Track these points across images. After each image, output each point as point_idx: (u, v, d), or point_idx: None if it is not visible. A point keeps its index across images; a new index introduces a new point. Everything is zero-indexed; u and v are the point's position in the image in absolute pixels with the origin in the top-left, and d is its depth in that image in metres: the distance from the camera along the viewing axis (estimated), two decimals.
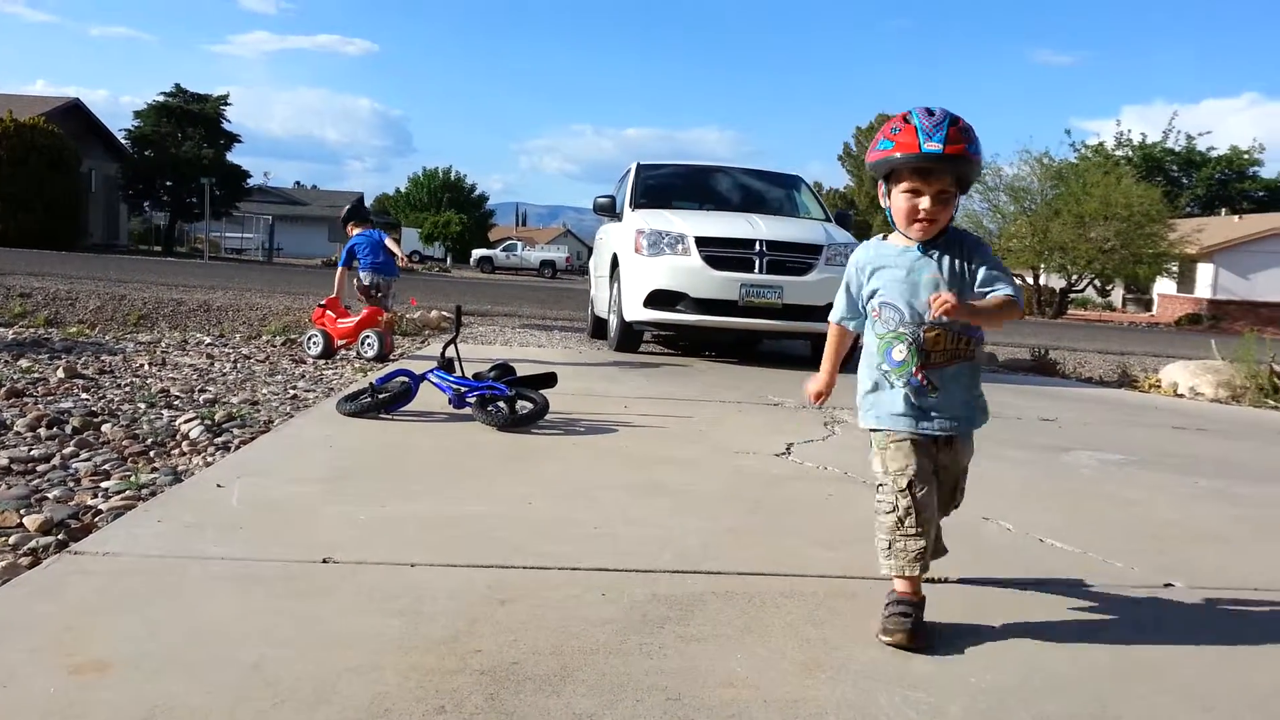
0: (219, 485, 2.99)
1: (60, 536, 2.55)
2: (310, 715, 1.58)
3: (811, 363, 8.06)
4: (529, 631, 1.97)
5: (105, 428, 3.96)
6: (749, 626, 2.08)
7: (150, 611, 1.97)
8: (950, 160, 1.97)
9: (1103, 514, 3.38)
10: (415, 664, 1.78)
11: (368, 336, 6.98)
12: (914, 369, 2.06)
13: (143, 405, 4.54)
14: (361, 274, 7.34)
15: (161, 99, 41.41)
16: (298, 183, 70.18)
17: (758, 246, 7.57)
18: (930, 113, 1.98)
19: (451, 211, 64.04)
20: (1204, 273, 36.74)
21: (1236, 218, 41.10)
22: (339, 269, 7.63)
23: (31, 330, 8.27)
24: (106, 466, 3.34)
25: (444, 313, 10.61)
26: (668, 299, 7.55)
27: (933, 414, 2.08)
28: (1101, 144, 42.35)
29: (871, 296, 2.15)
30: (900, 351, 2.08)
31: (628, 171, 9.46)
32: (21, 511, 2.73)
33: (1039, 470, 4.04)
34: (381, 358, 6.89)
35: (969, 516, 2.72)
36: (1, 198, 29.23)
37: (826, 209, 9.19)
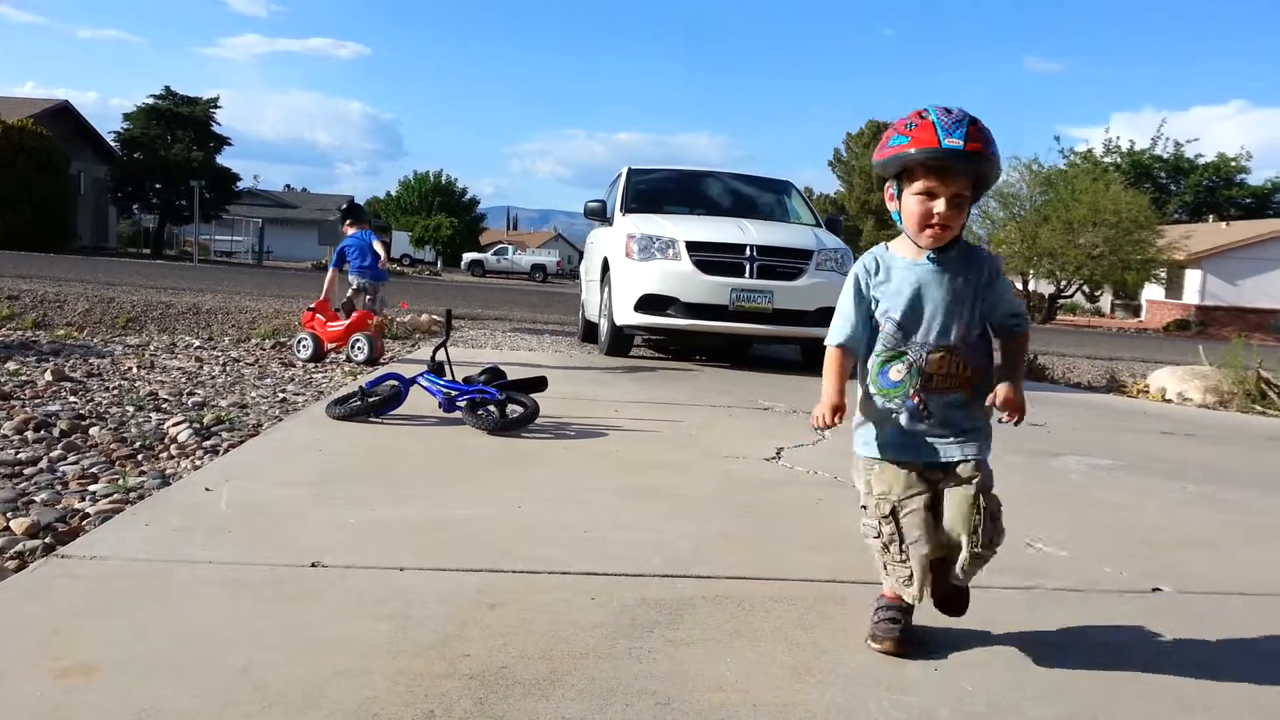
0: (207, 489, 2.97)
1: (47, 540, 2.53)
2: (298, 719, 1.57)
3: (801, 367, 8.09)
4: (518, 636, 1.97)
5: (93, 431, 3.94)
6: (738, 631, 2.08)
7: (138, 615, 1.96)
8: (971, 159, 1.82)
9: (1091, 519, 3.39)
10: (404, 668, 1.78)
11: (358, 340, 6.96)
12: (910, 391, 1.93)
13: (131, 408, 4.52)
14: (350, 276, 7.36)
15: (151, 101, 41.32)
16: (288, 186, 70.05)
17: (748, 251, 7.58)
18: (948, 111, 1.85)
19: (442, 215, 64.03)
20: (1192, 279, 36.97)
21: (1224, 224, 41.37)
22: (330, 270, 7.63)
23: (19, 333, 8.23)
24: (94, 470, 3.32)
25: (434, 316, 10.60)
26: (658, 303, 7.56)
27: (927, 440, 1.94)
28: (1090, 150, 42.59)
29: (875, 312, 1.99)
30: (898, 371, 1.94)
31: (619, 176, 9.48)
32: (8, 515, 2.72)
33: (1028, 475, 4.06)
34: (372, 361, 6.88)
35: None
36: None
37: (817, 214, 9.22)
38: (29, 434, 3.80)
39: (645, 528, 2.85)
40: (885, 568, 1.99)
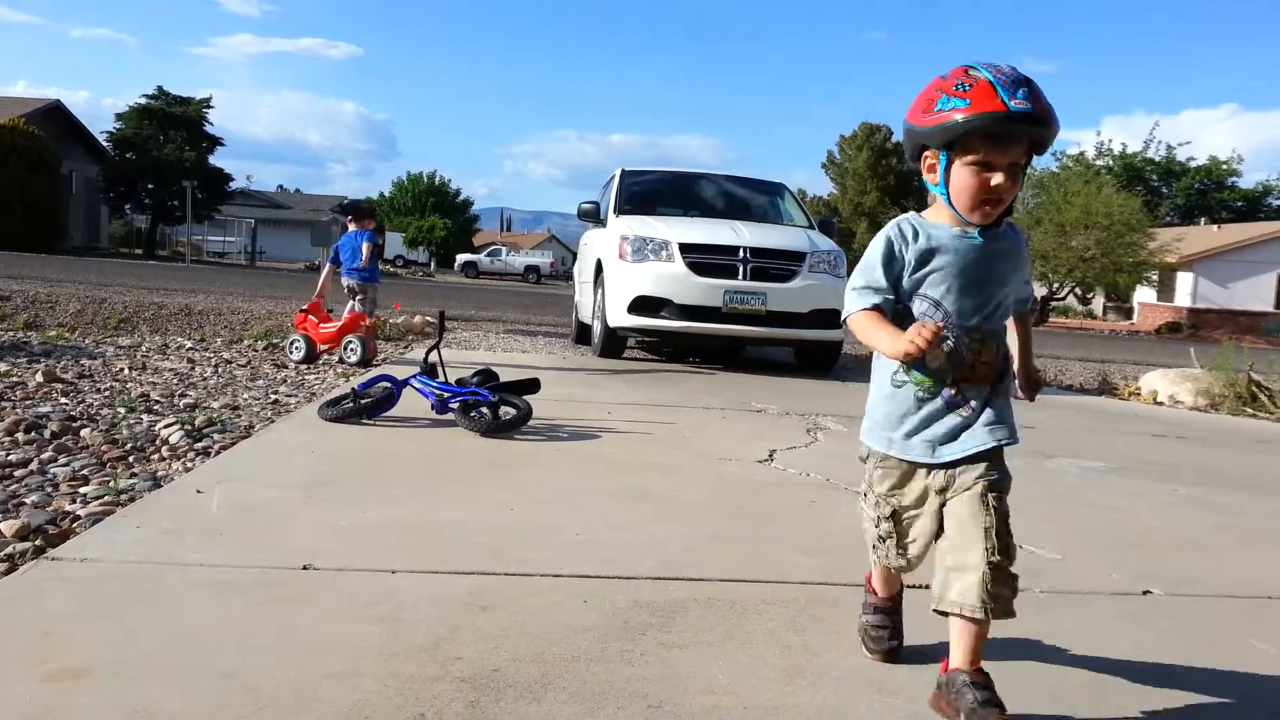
0: (199, 491, 2.97)
1: (38, 542, 2.52)
2: None
3: (794, 370, 8.11)
4: (510, 638, 1.97)
5: (84, 432, 3.93)
6: (730, 633, 2.08)
7: (129, 618, 1.95)
8: (1039, 123, 1.59)
9: (1084, 521, 3.41)
10: (396, 671, 1.78)
11: (350, 341, 6.96)
12: (948, 379, 1.72)
13: (122, 410, 4.50)
14: (342, 276, 7.37)
15: (143, 101, 41.14)
16: (280, 186, 69.91)
17: (741, 253, 7.59)
18: (998, 67, 1.61)
19: (436, 216, 63.95)
20: (1184, 281, 37.11)
21: (1216, 227, 41.52)
22: (327, 266, 7.66)
23: (10, 333, 8.19)
24: (85, 471, 3.31)
25: (427, 318, 10.58)
26: (652, 305, 7.56)
27: (955, 434, 1.73)
28: (1082, 153, 42.66)
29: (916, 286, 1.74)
30: (935, 357, 1.71)
31: (612, 178, 9.48)
32: None
33: (1021, 478, 4.02)
34: (364, 363, 6.87)
35: None
36: None
37: (810, 216, 9.24)
38: (20, 435, 3.78)
39: (638, 530, 2.85)
40: (874, 549, 1.91)
